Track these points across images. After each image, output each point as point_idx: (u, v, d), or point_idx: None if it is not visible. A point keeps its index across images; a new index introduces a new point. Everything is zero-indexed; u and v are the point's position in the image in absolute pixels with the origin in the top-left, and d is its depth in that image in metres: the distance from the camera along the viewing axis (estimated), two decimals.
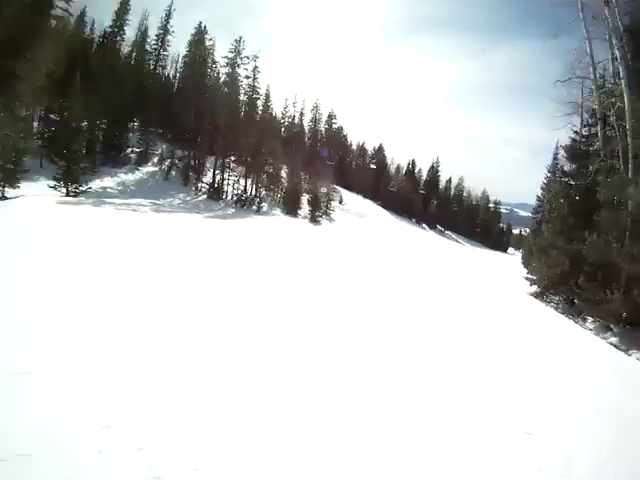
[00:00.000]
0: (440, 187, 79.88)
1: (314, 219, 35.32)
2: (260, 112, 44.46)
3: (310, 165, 47.15)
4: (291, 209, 34.92)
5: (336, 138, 73.38)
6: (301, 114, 70.17)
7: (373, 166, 69.53)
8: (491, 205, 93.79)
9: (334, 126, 72.90)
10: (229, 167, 33.75)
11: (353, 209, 51.22)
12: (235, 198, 31.71)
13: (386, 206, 64.25)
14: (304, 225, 29.74)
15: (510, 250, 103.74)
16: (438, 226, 71.74)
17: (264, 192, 37.37)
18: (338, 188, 62.14)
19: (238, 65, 38.08)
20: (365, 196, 66.29)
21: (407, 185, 72.04)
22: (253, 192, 35.57)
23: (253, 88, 39.46)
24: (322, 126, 72.30)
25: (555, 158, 26.66)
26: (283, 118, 65.30)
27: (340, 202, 53.23)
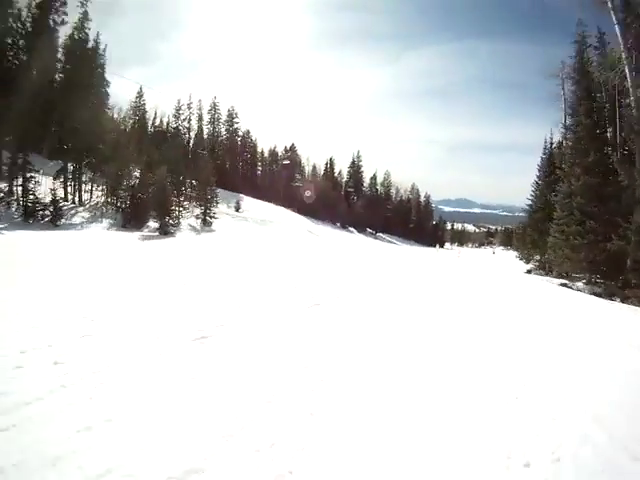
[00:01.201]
0: (365, 185, 70.98)
1: (164, 231, 23.52)
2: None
3: (196, 171, 35.80)
4: (133, 220, 23.04)
5: (243, 142, 62.64)
6: (199, 117, 58.85)
7: (286, 162, 58.81)
8: (422, 199, 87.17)
9: (235, 126, 61.83)
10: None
11: (254, 217, 40.30)
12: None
13: (302, 211, 53.82)
14: (130, 242, 17.61)
15: (447, 245, 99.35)
16: (368, 229, 62.47)
17: (93, 199, 25.39)
18: (241, 196, 51.16)
19: None
20: (277, 203, 55.63)
21: (326, 186, 62.48)
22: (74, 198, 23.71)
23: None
24: (222, 128, 61.22)
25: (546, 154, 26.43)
26: (175, 121, 54.11)
27: (237, 209, 42.20)
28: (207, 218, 31.76)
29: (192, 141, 56.29)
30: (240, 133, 62.37)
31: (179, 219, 28.32)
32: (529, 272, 23.25)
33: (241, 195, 51.03)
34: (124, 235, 20.21)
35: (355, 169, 68.98)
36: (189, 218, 31.40)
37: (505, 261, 34.88)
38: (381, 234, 64.26)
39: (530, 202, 26.43)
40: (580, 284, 16.51)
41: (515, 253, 32.06)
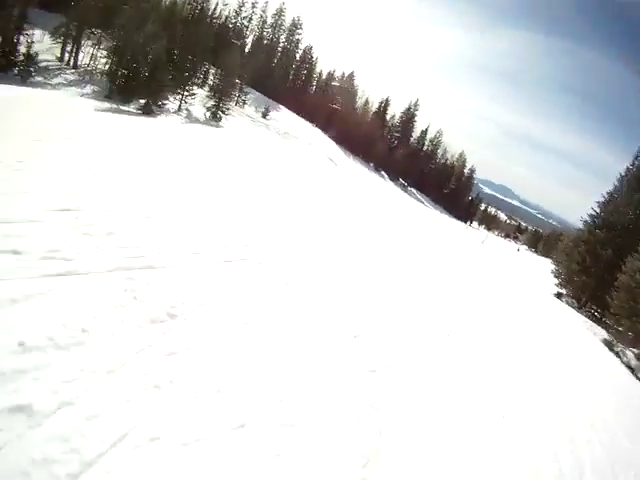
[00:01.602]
0: (413, 136, 66.35)
1: (146, 111, 21.17)
2: None
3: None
4: (123, 92, 20.69)
5: (303, 57, 58.45)
6: (263, 20, 54.64)
7: (335, 84, 55.02)
8: (466, 171, 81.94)
9: (297, 37, 57.14)
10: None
11: (279, 127, 37.59)
12: None
13: (339, 140, 50.72)
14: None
15: (475, 224, 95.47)
16: (401, 179, 59.13)
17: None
18: (280, 106, 48.26)
19: None
20: (317, 125, 52.47)
21: (374, 124, 58.41)
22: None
23: None
24: (282, 35, 56.82)
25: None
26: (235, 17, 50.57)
27: (264, 116, 39.38)
28: (218, 112, 28.58)
29: (250, 42, 53.29)
30: (301, 46, 58.00)
31: (181, 102, 25.81)
32: (559, 296, 20.27)
33: (280, 105, 48.00)
34: (87, 103, 17.43)
35: (408, 116, 64.10)
36: (197, 106, 28.54)
37: (531, 268, 32.30)
38: (413, 189, 61.02)
39: (595, 214, 22.09)
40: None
41: (547, 262, 28.76)
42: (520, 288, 15.93)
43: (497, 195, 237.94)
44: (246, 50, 53.39)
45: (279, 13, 56.15)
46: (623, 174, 21.90)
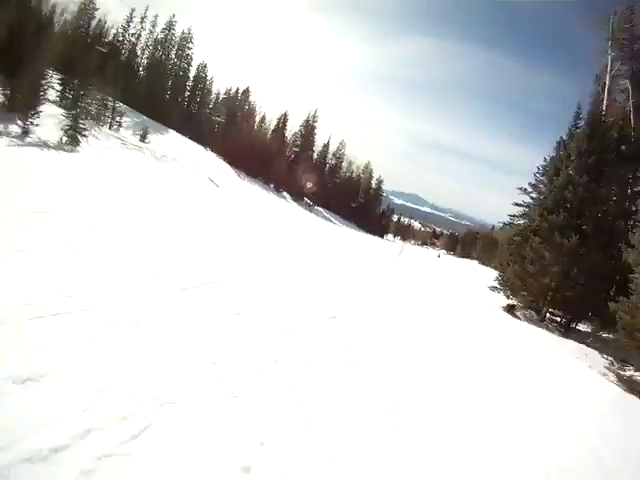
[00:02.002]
0: (315, 151, 62.33)
1: None
2: None
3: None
4: None
5: (196, 77, 52.19)
6: (153, 37, 48.11)
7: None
8: (374, 182, 79.94)
9: (188, 52, 50.88)
10: None
11: (157, 150, 30.55)
12: None
13: (236, 163, 44.47)
14: None
15: (389, 236, 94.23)
16: (306, 199, 54.14)
17: None
18: (169, 130, 41.20)
19: None
20: (212, 148, 45.96)
21: (272, 142, 53.26)
22: None
23: None
24: (172, 51, 50.24)
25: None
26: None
27: (142, 139, 32.29)
28: (76, 135, 21.63)
29: (140, 61, 46.65)
30: (194, 63, 52.11)
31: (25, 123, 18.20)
32: (510, 310, 15.87)
33: (169, 130, 41.02)
34: None
35: (308, 129, 59.87)
36: (50, 126, 21.02)
37: (459, 272, 28.47)
38: (320, 208, 56.29)
39: (533, 194, 18.72)
40: None
41: (472, 264, 24.87)
42: (455, 305, 11.10)
43: (408, 204, 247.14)
44: (140, 71, 46.58)
45: (169, 27, 49.41)
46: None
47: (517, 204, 19.36)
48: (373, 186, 79.75)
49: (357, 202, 70.51)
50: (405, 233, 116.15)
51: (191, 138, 43.45)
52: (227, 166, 42.78)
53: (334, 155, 66.65)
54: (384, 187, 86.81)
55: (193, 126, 46.82)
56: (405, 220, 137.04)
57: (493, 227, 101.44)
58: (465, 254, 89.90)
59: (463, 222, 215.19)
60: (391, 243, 68.98)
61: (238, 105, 55.38)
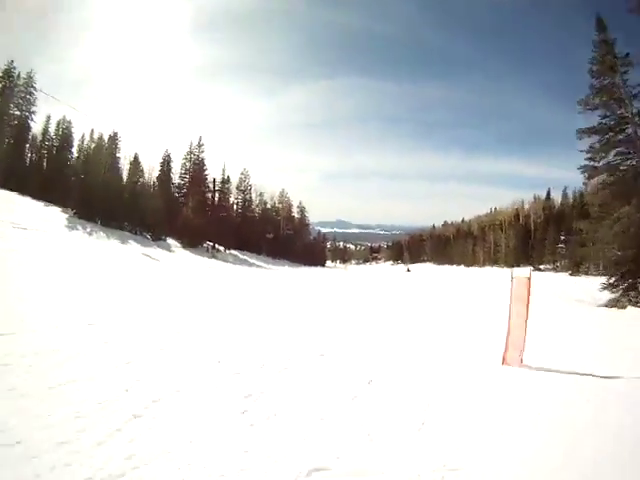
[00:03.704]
0: (209, 187, 49.48)
1: None
2: None
3: None
4: None
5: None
6: None
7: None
8: (295, 211, 68.65)
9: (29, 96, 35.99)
10: None
11: None
12: None
13: (93, 216, 30.45)
14: None
15: (329, 263, 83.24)
16: (207, 243, 40.54)
17: None
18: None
19: None
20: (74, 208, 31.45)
21: (157, 188, 40.04)
22: None
23: None
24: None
25: None
26: None
27: None
28: None
29: None
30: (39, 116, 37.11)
31: None
32: None
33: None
34: None
35: (193, 162, 46.72)
36: None
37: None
38: (234, 251, 43.16)
39: None
40: None
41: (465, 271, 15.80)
42: None
43: (337, 230, 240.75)
44: None
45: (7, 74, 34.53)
46: None
47: None
48: (296, 215, 68.57)
49: (281, 235, 58.57)
50: (343, 256, 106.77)
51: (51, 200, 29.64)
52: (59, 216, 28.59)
53: (238, 188, 54.45)
54: (310, 220, 76.51)
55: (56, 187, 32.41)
56: (339, 244, 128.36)
57: (434, 226, 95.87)
58: (415, 259, 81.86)
59: (393, 232, 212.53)
60: (333, 270, 57.64)
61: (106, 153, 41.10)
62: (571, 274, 37.40)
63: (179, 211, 38.85)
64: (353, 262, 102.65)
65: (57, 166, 36.14)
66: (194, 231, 36.03)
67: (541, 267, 45.99)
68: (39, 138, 38.80)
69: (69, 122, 39.00)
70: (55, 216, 27.97)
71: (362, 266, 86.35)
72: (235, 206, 54.01)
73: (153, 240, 32.60)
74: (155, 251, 27.35)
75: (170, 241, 34.83)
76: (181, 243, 35.49)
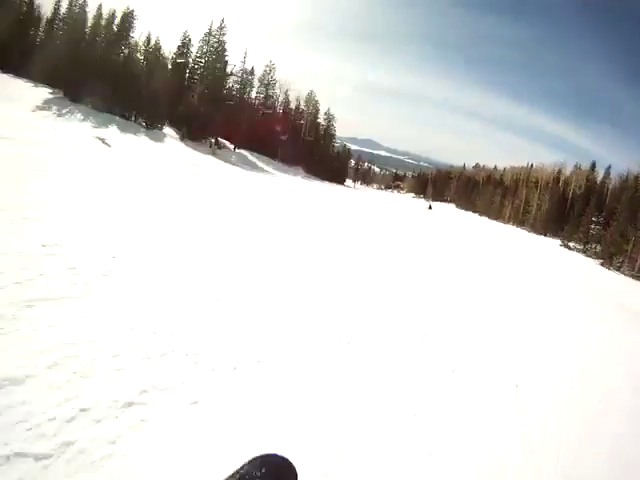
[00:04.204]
0: (231, 72, 43.99)
1: None
2: None
3: None
4: None
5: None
6: None
7: None
8: (321, 117, 62.77)
9: None
10: None
11: None
12: None
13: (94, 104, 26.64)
14: None
15: (349, 182, 78.66)
16: (217, 138, 36.59)
17: None
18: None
19: None
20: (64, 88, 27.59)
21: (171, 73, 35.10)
22: None
23: None
24: None
25: None
26: None
27: None
28: None
29: None
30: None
31: None
32: None
33: None
34: None
35: (212, 45, 40.73)
36: None
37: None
38: (244, 151, 39.35)
39: None
40: None
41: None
42: None
43: (364, 149, 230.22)
44: None
45: None
46: None
47: None
48: (322, 122, 62.74)
49: (301, 141, 53.79)
50: (365, 178, 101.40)
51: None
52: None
53: (260, 82, 48.73)
54: (338, 135, 70.43)
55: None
56: (365, 164, 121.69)
57: (464, 165, 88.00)
58: (438, 197, 76.50)
59: (421, 164, 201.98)
60: (355, 192, 53.86)
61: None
62: (602, 264, 31.40)
63: (188, 99, 34.25)
64: (374, 186, 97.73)
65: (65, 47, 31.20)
66: (198, 122, 31.79)
67: (570, 244, 40.83)
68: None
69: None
70: (34, 96, 24.28)
71: (382, 192, 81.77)
72: (257, 101, 48.85)
73: (147, 128, 28.68)
74: (135, 138, 23.83)
75: (167, 130, 30.87)
76: (179, 134, 31.51)
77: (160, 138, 27.87)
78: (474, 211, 63.72)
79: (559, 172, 57.80)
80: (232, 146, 38.41)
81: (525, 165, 65.78)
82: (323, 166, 56.90)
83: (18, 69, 27.50)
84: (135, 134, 25.47)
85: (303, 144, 54.03)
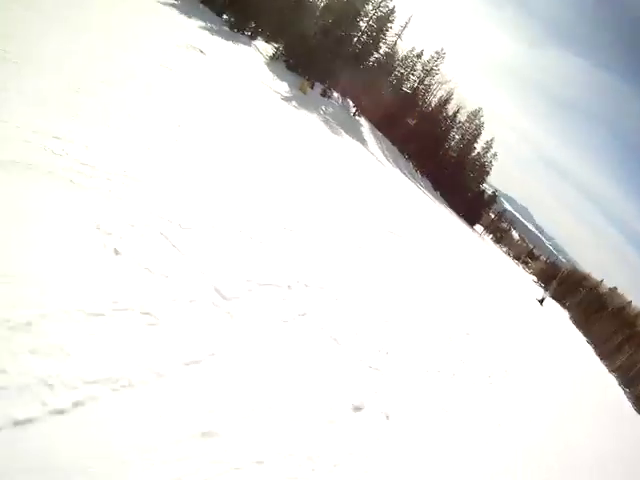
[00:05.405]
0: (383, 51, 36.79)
1: None
2: None
3: None
4: None
5: None
6: None
7: None
8: (480, 144, 52.02)
9: None
10: None
11: None
12: None
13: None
14: None
15: (477, 227, 65.75)
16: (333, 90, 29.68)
17: None
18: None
19: None
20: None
21: None
22: None
23: None
24: None
25: None
26: None
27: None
28: None
29: None
30: None
31: None
32: None
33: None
34: None
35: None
36: None
37: None
38: (362, 119, 32.16)
39: None
40: None
41: None
42: None
43: (515, 213, 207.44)
44: None
45: None
46: None
47: None
48: (477, 149, 51.95)
49: (442, 154, 44.49)
50: (499, 235, 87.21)
51: None
52: None
53: (423, 66, 40.44)
54: (498, 187, 58.70)
55: None
56: (505, 224, 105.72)
57: (602, 282, 67.63)
58: (558, 297, 60.17)
59: (560, 257, 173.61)
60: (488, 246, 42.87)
61: None
62: None
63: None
64: (503, 248, 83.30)
65: None
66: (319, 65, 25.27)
67: None
68: None
69: None
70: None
71: (508, 259, 68.20)
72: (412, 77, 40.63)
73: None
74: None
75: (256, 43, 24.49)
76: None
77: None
78: (585, 334, 48.49)
79: None
80: (354, 108, 31.42)
81: None
82: (457, 196, 46.92)
83: None
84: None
85: (442, 158, 44.74)
